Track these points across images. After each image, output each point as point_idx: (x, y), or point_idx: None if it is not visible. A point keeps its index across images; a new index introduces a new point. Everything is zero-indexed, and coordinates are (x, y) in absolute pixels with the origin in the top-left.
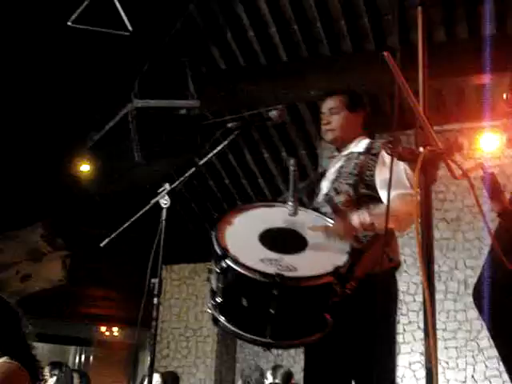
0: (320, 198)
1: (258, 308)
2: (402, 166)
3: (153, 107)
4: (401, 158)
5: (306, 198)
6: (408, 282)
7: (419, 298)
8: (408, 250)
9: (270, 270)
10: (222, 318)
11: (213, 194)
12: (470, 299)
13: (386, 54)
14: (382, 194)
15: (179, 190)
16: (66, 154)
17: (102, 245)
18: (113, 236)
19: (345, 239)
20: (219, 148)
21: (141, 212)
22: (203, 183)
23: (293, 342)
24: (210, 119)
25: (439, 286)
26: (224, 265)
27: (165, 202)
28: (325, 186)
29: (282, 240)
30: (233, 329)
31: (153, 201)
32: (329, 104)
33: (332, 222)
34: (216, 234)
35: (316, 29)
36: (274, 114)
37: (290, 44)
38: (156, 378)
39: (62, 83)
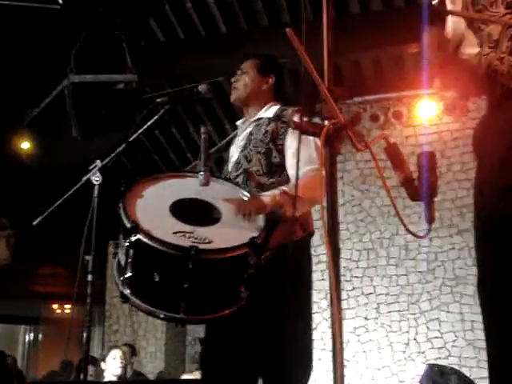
0: (230, 165)
1: (171, 283)
2: (311, 139)
3: (90, 82)
4: (304, 132)
5: (216, 164)
6: (351, 249)
7: (362, 265)
8: (350, 217)
9: (184, 242)
10: (131, 295)
11: (156, 166)
12: (411, 264)
13: (287, 30)
14: (291, 165)
15: (119, 164)
16: (4, 131)
17: (34, 223)
18: (45, 214)
19: (254, 217)
20: (149, 123)
21: (72, 190)
22: (146, 154)
23: (206, 317)
24: (149, 92)
25: (381, 252)
26: (134, 239)
27: (96, 178)
28: (234, 153)
29: (195, 212)
30: (144, 306)
31: (84, 178)
32: (241, 66)
33: (245, 193)
34: (124, 207)
35: (254, 0)
36: (203, 88)
37: (229, 16)
38: (115, 352)
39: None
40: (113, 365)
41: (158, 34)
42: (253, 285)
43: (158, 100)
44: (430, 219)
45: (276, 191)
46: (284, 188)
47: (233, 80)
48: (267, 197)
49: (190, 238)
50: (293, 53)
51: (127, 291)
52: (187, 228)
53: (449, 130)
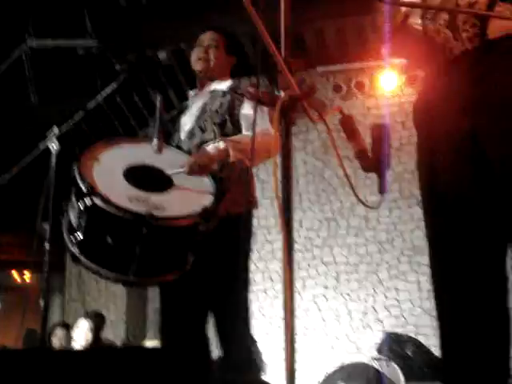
0: (182, 134)
1: (123, 246)
2: (265, 109)
3: (49, 47)
4: (260, 103)
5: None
6: (312, 219)
7: (323, 234)
8: (312, 187)
9: (140, 209)
10: (82, 256)
11: (115, 131)
12: (371, 234)
13: (244, 0)
14: (244, 128)
15: (77, 129)
16: None
17: None
18: (2, 182)
19: (206, 171)
20: (107, 91)
21: (29, 159)
22: (106, 120)
23: (154, 279)
24: (110, 58)
25: (341, 222)
26: (89, 202)
27: (54, 146)
28: (187, 122)
29: (148, 178)
30: (95, 267)
31: (41, 146)
32: (210, 36)
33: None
34: (79, 169)
35: None
36: (163, 56)
37: None
38: (84, 323)
39: None
40: (81, 336)
41: None
42: (199, 251)
43: (119, 67)
44: (383, 190)
45: (220, 143)
46: (228, 140)
47: (202, 50)
48: (211, 147)
49: (144, 204)
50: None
51: (78, 252)
52: (141, 194)
53: (410, 102)
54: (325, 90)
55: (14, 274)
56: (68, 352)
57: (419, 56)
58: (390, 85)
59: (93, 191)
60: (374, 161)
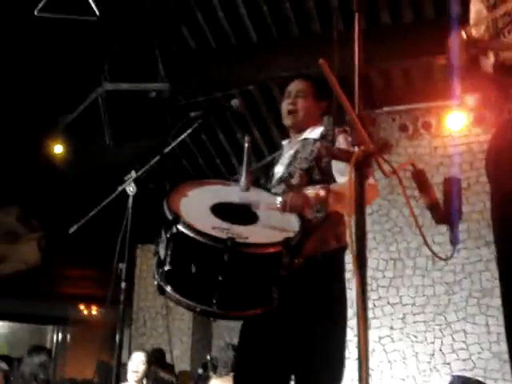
0: (273, 180)
1: (206, 274)
2: (345, 143)
3: (123, 90)
4: (335, 158)
5: (263, 179)
6: (378, 259)
7: (388, 274)
8: (377, 227)
9: (222, 235)
10: (168, 287)
11: (187, 173)
12: (438, 274)
13: (321, 62)
14: (337, 178)
15: (150, 171)
16: (39, 136)
17: (70, 231)
18: (81, 222)
19: (298, 211)
20: (182, 137)
21: (107, 200)
22: (177, 162)
23: (238, 313)
24: (181, 101)
25: (408, 262)
26: (174, 230)
27: (131, 189)
28: (279, 170)
29: (234, 213)
30: (179, 297)
31: (119, 188)
32: (297, 86)
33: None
34: (167, 202)
35: (285, 9)
36: (235, 102)
37: (260, 25)
38: (140, 356)
39: (34, 68)
40: (133, 368)
41: (190, 42)
42: (284, 287)
43: (192, 114)
44: (455, 242)
45: (318, 186)
46: (326, 186)
47: (290, 102)
48: (310, 191)
49: (227, 232)
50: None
51: (164, 283)
52: (226, 225)
53: (478, 142)
54: (391, 130)
55: (82, 307)
56: None
57: (490, 94)
58: (457, 124)
59: (178, 218)
60: (446, 213)
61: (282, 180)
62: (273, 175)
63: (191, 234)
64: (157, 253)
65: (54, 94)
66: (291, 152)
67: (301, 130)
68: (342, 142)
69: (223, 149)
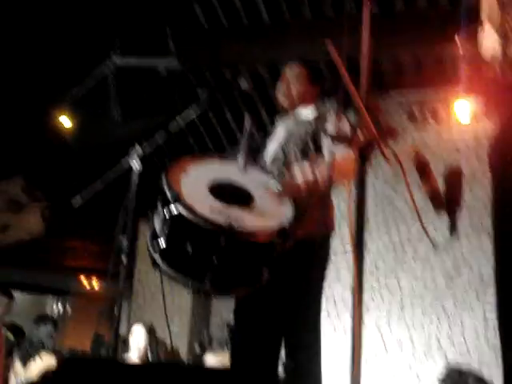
0: (267, 158)
1: (201, 255)
2: (347, 126)
3: (132, 66)
4: (338, 141)
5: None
6: (378, 245)
7: (389, 260)
8: (380, 211)
9: (221, 220)
10: (163, 263)
11: (192, 151)
12: (438, 263)
13: (327, 41)
14: (327, 146)
15: (156, 147)
16: (47, 108)
17: (74, 204)
18: (86, 196)
19: (292, 196)
20: (191, 118)
21: (112, 177)
22: (183, 140)
23: (228, 291)
24: (190, 78)
25: (409, 249)
26: (174, 210)
27: (136, 165)
28: (273, 146)
29: (231, 193)
30: (173, 274)
31: (123, 163)
32: (292, 72)
33: (277, 183)
34: (167, 178)
35: None
36: (244, 84)
37: (273, 6)
38: (140, 330)
39: (46, 40)
40: (135, 344)
41: (201, 20)
42: (274, 268)
43: (199, 90)
44: (453, 231)
45: (306, 165)
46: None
47: (285, 87)
48: (299, 174)
49: (225, 216)
50: (334, 45)
51: (159, 259)
52: (223, 207)
53: (485, 132)
54: (398, 117)
55: (83, 279)
56: (134, 366)
57: (494, 94)
58: (465, 115)
59: (179, 199)
60: (447, 202)
61: (275, 158)
62: (265, 151)
63: (191, 217)
64: (151, 220)
65: (63, 67)
66: (285, 130)
67: (293, 109)
68: (337, 123)
69: (230, 129)
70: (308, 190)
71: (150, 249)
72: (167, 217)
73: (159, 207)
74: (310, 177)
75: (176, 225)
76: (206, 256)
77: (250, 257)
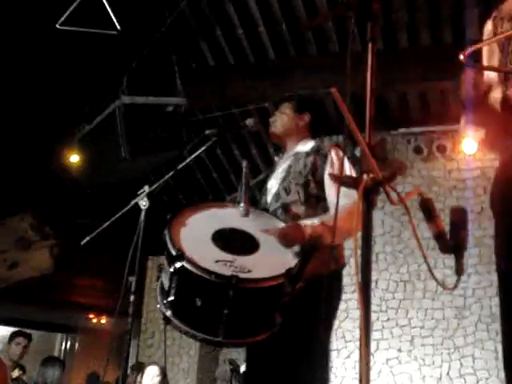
0: (269, 197)
1: (211, 308)
2: (347, 167)
3: (140, 104)
4: (343, 185)
5: (258, 194)
6: (388, 280)
7: (398, 296)
8: (389, 248)
9: (226, 271)
10: (173, 318)
11: (200, 187)
12: (448, 298)
13: (333, 90)
14: (329, 194)
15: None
16: (55, 144)
17: (82, 243)
18: (94, 234)
19: (295, 244)
20: (196, 153)
21: (120, 213)
22: (191, 176)
23: (242, 341)
24: (197, 116)
25: (418, 284)
26: (179, 266)
27: (144, 203)
28: (273, 185)
29: (235, 241)
30: (185, 328)
31: (132, 202)
32: (278, 107)
33: (282, 224)
34: (170, 234)
35: (304, 30)
36: (250, 122)
37: (279, 43)
38: (155, 370)
39: (55, 79)
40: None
41: (208, 58)
42: (286, 312)
43: (207, 132)
44: (460, 272)
45: (315, 221)
46: (323, 219)
47: (271, 120)
48: (308, 227)
49: (230, 266)
50: (339, 81)
51: (169, 313)
52: (228, 257)
53: (492, 167)
54: (405, 152)
55: (91, 316)
56: None
57: (498, 128)
58: (471, 148)
59: (182, 255)
60: (452, 243)
61: (277, 197)
62: (266, 190)
63: (196, 271)
64: (160, 277)
65: (72, 105)
66: (284, 166)
67: (289, 145)
68: (334, 157)
69: (238, 165)
70: (312, 238)
71: (160, 304)
72: (173, 272)
73: (165, 263)
74: (318, 229)
75: (182, 279)
76: (217, 309)
77: (261, 304)
